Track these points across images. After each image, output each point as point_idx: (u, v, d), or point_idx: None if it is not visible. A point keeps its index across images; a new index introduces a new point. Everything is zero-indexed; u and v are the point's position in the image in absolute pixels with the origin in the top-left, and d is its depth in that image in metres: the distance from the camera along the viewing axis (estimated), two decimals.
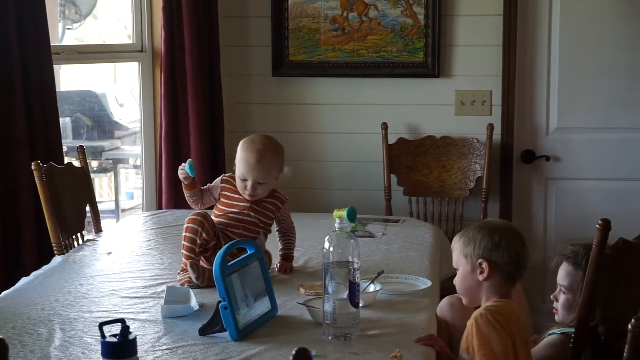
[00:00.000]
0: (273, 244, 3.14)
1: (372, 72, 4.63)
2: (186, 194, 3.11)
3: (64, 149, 4.03)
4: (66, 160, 3.96)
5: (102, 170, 6.17)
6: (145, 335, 2.42)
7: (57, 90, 3.92)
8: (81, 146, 3.83)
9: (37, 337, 2.40)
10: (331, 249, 2.40)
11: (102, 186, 6.23)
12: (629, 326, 1.95)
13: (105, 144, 6.00)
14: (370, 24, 4.59)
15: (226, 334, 2.39)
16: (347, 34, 4.62)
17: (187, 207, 3.22)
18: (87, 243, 3.57)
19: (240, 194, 3.00)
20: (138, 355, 2.14)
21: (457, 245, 2.51)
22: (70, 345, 2.35)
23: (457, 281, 2.53)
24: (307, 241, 3.44)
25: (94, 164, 5.91)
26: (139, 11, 4.51)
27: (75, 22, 5.24)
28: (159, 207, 4.46)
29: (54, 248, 3.45)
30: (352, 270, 2.39)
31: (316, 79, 4.71)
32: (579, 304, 2.59)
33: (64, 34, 5.15)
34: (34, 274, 3.07)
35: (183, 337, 2.41)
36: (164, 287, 2.81)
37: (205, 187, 3.12)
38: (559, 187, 4.63)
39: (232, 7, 4.70)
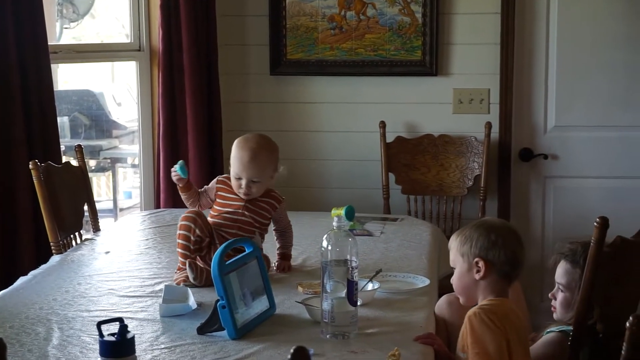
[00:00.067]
0: (271, 244, 3.14)
1: (370, 70, 4.63)
2: (182, 196, 3.11)
3: (62, 148, 4.03)
4: (64, 159, 3.96)
5: (100, 169, 6.17)
6: (143, 334, 2.42)
7: (54, 89, 3.92)
8: (79, 145, 3.82)
9: (35, 337, 2.40)
10: (329, 248, 2.40)
11: (100, 185, 6.23)
12: (627, 324, 1.95)
13: (103, 143, 6.00)
14: (368, 22, 4.59)
15: (224, 332, 2.39)
16: (345, 33, 4.62)
17: (185, 206, 3.22)
18: (85, 242, 3.56)
19: (235, 194, 3.01)
20: (136, 354, 2.14)
21: (454, 244, 2.51)
22: (69, 344, 2.35)
23: (454, 280, 2.53)
24: (306, 240, 3.44)
25: (91, 163, 5.91)
26: (137, 10, 4.51)
27: (72, 22, 5.23)
28: (157, 206, 4.46)
29: (52, 247, 3.45)
30: (351, 269, 2.39)
31: (314, 78, 4.71)
32: (577, 302, 2.59)
33: (62, 33, 5.15)
34: (32, 273, 3.07)
35: (181, 336, 2.41)
36: (162, 286, 2.81)
37: (202, 189, 3.13)
38: (557, 185, 4.63)
39: (230, 6, 4.69)
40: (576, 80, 4.52)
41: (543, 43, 4.52)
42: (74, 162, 3.82)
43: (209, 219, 3.02)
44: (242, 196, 2.98)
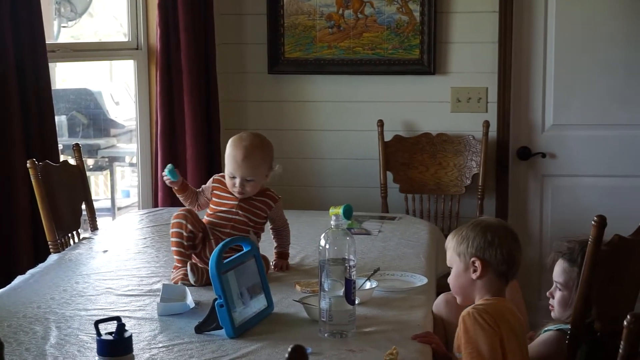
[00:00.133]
0: (268, 243, 3.14)
1: (368, 69, 4.63)
2: (180, 197, 3.13)
3: (60, 147, 4.02)
4: (62, 158, 3.95)
5: (98, 168, 6.16)
6: (141, 333, 2.42)
7: (52, 88, 3.91)
8: (77, 144, 3.83)
9: (33, 335, 2.40)
10: (327, 247, 2.40)
11: (98, 184, 6.22)
12: (625, 322, 1.95)
13: (101, 142, 5.99)
14: (366, 21, 4.59)
15: (222, 331, 2.39)
16: (343, 32, 4.62)
17: (183, 205, 3.22)
18: (83, 241, 3.56)
19: (230, 193, 3.01)
20: (134, 353, 2.14)
21: (451, 244, 2.52)
22: (66, 343, 2.35)
23: (450, 280, 2.54)
24: (303, 239, 3.44)
25: (89, 162, 5.90)
26: (135, 9, 4.51)
27: (70, 20, 5.22)
28: (155, 205, 4.46)
29: (50, 246, 3.45)
30: (348, 268, 2.39)
31: (312, 77, 4.71)
32: (575, 301, 2.59)
33: (60, 32, 5.14)
34: (29, 272, 3.07)
35: (179, 335, 2.41)
36: (160, 285, 2.81)
37: (199, 189, 3.13)
38: (554, 184, 4.63)
39: (228, 5, 4.70)
40: (574, 79, 4.53)
41: (541, 42, 4.53)
42: (72, 161, 3.82)
43: (205, 217, 3.03)
44: (237, 195, 2.99)
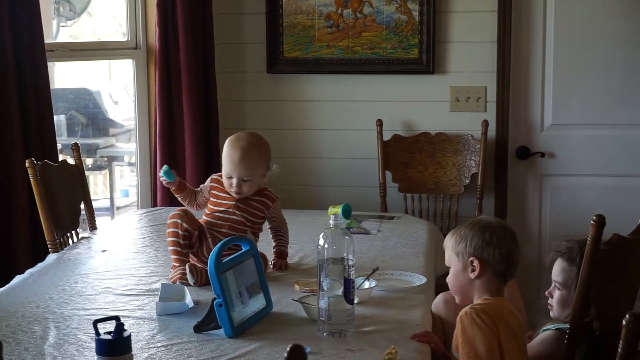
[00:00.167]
0: (267, 242, 3.14)
1: (367, 68, 4.63)
2: (178, 197, 3.14)
3: (59, 146, 4.02)
4: (61, 157, 3.95)
5: (96, 167, 6.15)
6: (140, 333, 2.42)
7: (51, 87, 3.91)
8: (76, 144, 3.83)
9: (31, 335, 2.40)
10: (326, 246, 2.40)
11: (97, 184, 6.22)
12: (624, 322, 1.95)
13: (100, 141, 5.99)
14: (364, 20, 4.59)
15: (221, 331, 2.40)
16: (342, 31, 4.62)
17: (182, 204, 3.23)
18: (82, 241, 3.56)
19: (227, 193, 3.01)
20: (133, 352, 2.14)
21: (449, 244, 2.52)
22: (65, 342, 2.35)
23: (449, 279, 2.53)
24: (302, 238, 3.44)
25: (88, 161, 5.90)
26: (133, 8, 4.51)
27: (69, 20, 5.22)
28: (154, 205, 4.46)
29: (49, 246, 3.44)
30: (347, 267, 2.39)
31: (311, 76, 4.71)
32: (574, 300, 2.59)
33: (59, 31, 5.14)
34: (28, 271, 3.07)
35: (178, 335, 2.41)
36: (158, 285, 2.81)
37: (198, 188, 3.14)
38: (553, 183, 4.63)
39: (227, 4, 4.69)
40: (573, 78, 4.53)
41: (540, 41, 4.53)
42: (71, 161, 3.82)
43: (203, 217, 3.03)
44: (234, 195, 2.98)
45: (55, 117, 3.94)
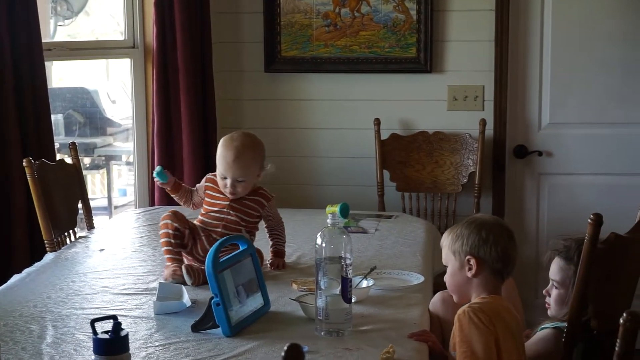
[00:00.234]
0: (264, 241, 3.14)
1: (365, 67, 4.63)
2: (174, 197, 3.15)
3: (56, 145, 4.02)
4: (58, 157, 3.95)
5: (94, 167, 6.15)
6: (137, 332, 2.42)
7: (49, 86, 3.90)
8: (73, 143, 3.82)
9: (29, 334, 2.40)
10: (324, 245, 2.40)
11: (94, 183, 6.22)
12: (621, 320, 1.95)
13: (98, 140, 5.99)
14: (362, 19, 4.59)
15: (219, 330, 2.39)
16: (340, 30, 4.62)
17: (179, 204, 3.23)
18: (80, 240, 3.56)
19: (221, 193, 3.01)
20: (130, 351, 2.14)
21: (446, 242, 2.51)
22: (62, 342, 2.35)
23: (447, 278, 2.54)
24: (300, 237, 3.44)
25: (86, 160, 5.90)
26: (131, 7, 4.50)
27: (67, 19, 5.22)
28: (152, 204, 4.45)
29: (46, 245, 3.44)
30: (345, 266, 2.39)
31: (308, 75, 4.71)
32: (571, 299, 2.59)
33: (56, 30, 5.14)
34: (26, 271, 3.07)
35: (175, 334, 2.41)
36: (156, 284, 2.81)
37: (194, 188, 3.14)
38: (551, 182, 4.64)
39: (224, 3, 4.69)
40: (570, 77, 4.53)
41: (537, 40, 4.53)
42: (68, 160, 3.81)
43: (198, 217, 3.04)
44: (229, 195, 2.99)
45: (52, 117, 3.94)
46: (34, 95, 3.76)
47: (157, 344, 2.34)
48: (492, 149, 4.60)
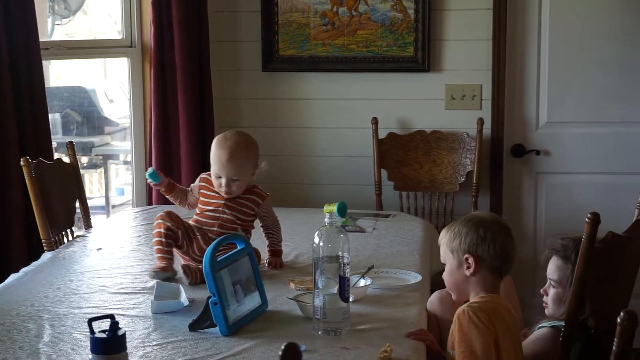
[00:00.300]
0: (262, 241, 3.14)
1: (362, 66, 4.63)
2: (169, 198, 3.16)
3: (54, 145, 4.03)
4: (56, 156, 3.95)
5: (92, 166, 6.15)
6: (135, 331, 2.42)
7: (46, 85, 3.91)
8: (71, 142, 3.82)
9: (26, 334, 2.40)
10: (321, 244, 2.40)
11: (92, 182, 6.22)
12: (618, 319, 1.95)
13: (95, 139, 5.99)
14: (360, 18, 4.59)
15: (216, 329, 2.39)
16: (337, 29, 4.62)
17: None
18: (77, 239, 3.56)
19: (216, 192, 3.01)
20: (128, 351, 2.14)
21: (444, 240, 2.51)
22: (60, 341, 2.34)
23: (445, 276, 2.53)
24: (297, 236, 3.44)
25: (83, 160, 5.90)
26: (129, 6, 4.50)
27: (64, 18, 5.22)
28: (149, 203, 4.45)
29: (44, 244, 3.44)
30: (342, 265, 2.39)
31: (306, 74, 4.70)
32: (569, 298, 2.59)
33: (54, 29, 5.13)
34: (23, 270, 3.07)
35: (173, 333, 2.41)
36: (153, 283, 2.81)
37: (188, 188, 3.14)
38: (549, 181, 4.64)
39: (222, 2, 4.69)
40: (568, 76, 4.53)
41: (535, 39, 4.53)
42: (66, 159, 3.81)
43: (194, 216, 3.04)
44: (224, 195, 2.99)
45: (50, 116, 3.94)
46: (32, 94, 3.76)
47: (154, 343, 2.34)
48: (490, 148, 4.60)
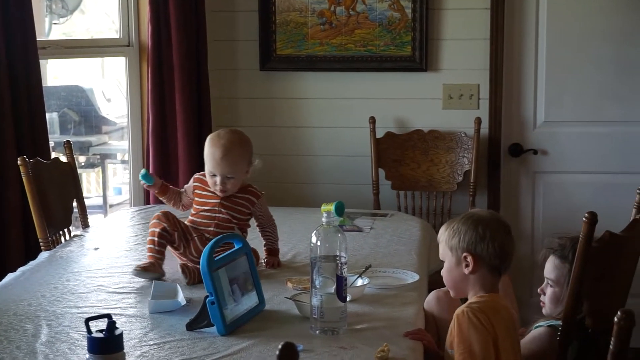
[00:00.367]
0: (259, 240, 3.14)
1: (360, 66, 4.63)
2: (162, 199, 3.16)
3: (51, 144, 4.02)
4: (53, 155, 3.95)
5: (89, 165, 6.15)
6: (132, 331, 2.41)
7: (44, 85, 3.91)
8: (68, 141, 3.82)
9: (23, 333, 2.40)
10: (319, 243, 2.40)
11: (89, 181, 6.22)
12: (615, 319, 1.95)
13: (93, 139, 5.99)
14: (357, 17, 4.59)
15: (213, 329, 2.39)
16: (335, 28, 4.62)
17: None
18: (74, 238, 3.56)
19: (211, 192, 3.01)
20: (125, 350, 2.13)
21: (443, 237, 2.51)
22: (57, 341, 2.34)
23: (443, 273, 2.53)
24: (295, 236, 3.44)
25: (81, 159, 5.90)
26: (126, 6, 4.50)
27: (62, 17, 5.21)
28: (147, 203, 4.45)
29: (41, 244, 3.44)
30: (340, 265, 2.39)
31: (304, 74, 4.70)
32: (566, 297, 2.59)
33: (51, 28, 5.13)
34: (20, 269, 3.06)
35: (170, 333, 2.41)
36: (151, 283, 2.80)
37: (182, 189, 3.14)
38: (546, 180, 4.64)
39: (219, 1, 4.69)
40: (565, 76, 4.53)
41: (532, 38, 4.53)
42: (63, 158, 3.81)
43: (189, 217, 3.05)
44: (219, 193, 2.99)
45: (47, 115, 3.94)
46: (29, 93, 3.75)
47: (151, 342, 2.34)
48: (487, 148, 4.60)
